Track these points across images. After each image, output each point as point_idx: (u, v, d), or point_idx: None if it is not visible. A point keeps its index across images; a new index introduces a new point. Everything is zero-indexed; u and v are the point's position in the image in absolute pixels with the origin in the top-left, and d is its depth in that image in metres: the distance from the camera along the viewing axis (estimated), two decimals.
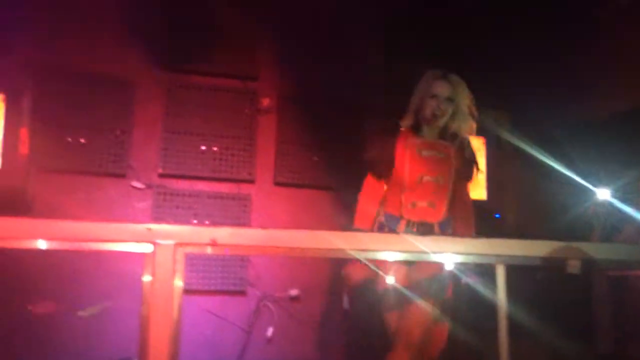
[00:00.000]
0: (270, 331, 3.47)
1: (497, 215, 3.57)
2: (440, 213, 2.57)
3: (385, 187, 2.65)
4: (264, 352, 3.46)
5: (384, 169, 2.60)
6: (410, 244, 1.73)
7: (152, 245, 1.33)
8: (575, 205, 3.47)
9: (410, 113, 2.66)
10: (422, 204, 2.55)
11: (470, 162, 2.70)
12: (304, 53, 3.77)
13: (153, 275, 1.30)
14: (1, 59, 3.30)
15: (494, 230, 2.72)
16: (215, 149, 3.57)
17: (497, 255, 1.55)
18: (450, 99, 2.59)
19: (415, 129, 2.65)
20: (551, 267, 1.59)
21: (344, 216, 3.62)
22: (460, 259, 1.81)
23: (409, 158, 2.59)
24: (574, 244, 1.59)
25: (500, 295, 1.53)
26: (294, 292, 3.54)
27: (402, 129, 2.66)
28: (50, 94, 3.31)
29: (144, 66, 3.58)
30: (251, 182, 3.62)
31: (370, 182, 2.67)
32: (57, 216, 1.47)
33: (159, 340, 1.26)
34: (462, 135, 2.66)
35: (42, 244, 1.65)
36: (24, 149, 3.01)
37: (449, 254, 1.76)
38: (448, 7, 3.86)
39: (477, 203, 3.54)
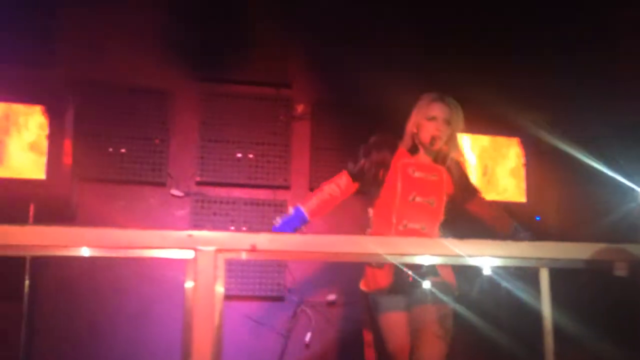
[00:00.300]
0: (308, 336, 3.48)
1: (537, 218, 3.50)
2: (431, 237, 2.49)
3: (370, 210, 2.62)
4: (302, 358, 3.47)
5: (376, 184, 2.55)
6: (446, 247, 1.71)
7: (193, 251, 1.35)
8: (620, 205, 3.38)
9: (407, 136, 2.61)
10: (414, 225, 2.50)
11: (464, 181, 2.67)
12: (337, 59, 3.78)
13: (195, 281, 1.33)
14: (45, 72, 3.42)
15: (534, 234, 2.67)
16: (250, 156, 3.61)
17: (540, 259, 1.51)
18: (448, 121, 2.54)
19: (412, 150, 2.60)
20: (597, 269, 1.54)
21: None
22: (500, 262, 1.78)
23: (401, 177, 2.53)
24: (620, 246, 1.55)
25: (545, 300, 1.50)
26: (331, 297, 3.54)
27: (400, 148, 2.61)
28: (91, 106, 3.41)
29: (180, 77, 3.65)
30: (287, 188, 3.65)
31: (343, 179, 2.60)
32: (99, 224, 1.52)
33: (201, 345, 1.28)
34: (451, 158, 2.61)
35: (87, 252, 1.70)
36: (67, 160, 3.10)
37: (488, 258, 1.73)
38: (487, 10, 3.83)
39: (517, 206, 3.49)
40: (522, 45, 3.80)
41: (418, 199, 2.52)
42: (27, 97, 3.11)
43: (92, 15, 3.57)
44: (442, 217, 2.57)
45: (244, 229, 3.52)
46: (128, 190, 3.48)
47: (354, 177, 2.59)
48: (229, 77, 3.69)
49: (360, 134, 3.70)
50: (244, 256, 1.39)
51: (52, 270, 3.24)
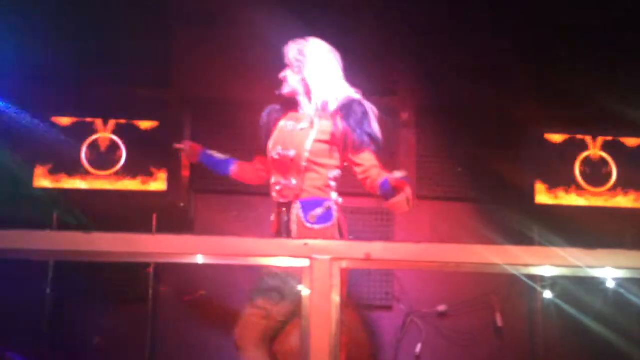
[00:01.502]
0: (418, 348, 3.41)
1: None
2: (298, 189, 2.31)
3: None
4: None
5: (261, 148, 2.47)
6: (565, 258, 1.60)
7: (309, 260, 1.37)
8: None
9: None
10: (285, 181, 2.33)
11: (346, 127, 2.31)
12: (442, 63, 3.71)
13: (311, 289, 1.35)
14: (163, 92, 3.66)
15: None
16: None
17: None
18: (287, 63, 2.41)
19: (296, 106, 2.44)
20: None
21: (491, 229, 3.48)
22: (629, 274, 1.64)
23: (274, 134, 2.41)
24: None
25: None
26: (441, 307, 3.46)
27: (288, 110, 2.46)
28: (205, 121, 3.59)
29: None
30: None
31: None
32: (215, 233, 1.58)
33: (319, 353, 1.30)
34: (326, 100, 2.35)
35: (207, 260, 1.79)
36: (185, 172, 3.30)
37: (615, 270, 1.60)
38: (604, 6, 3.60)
39: None
40: None
41: (282, 152, 2.34)
42: (147, 115, 3.35)
43: (201, 36, 3.77)
44: (310, 169, 2.32)
45: (351, 237, 3.53)
46: (239, 201, 3.62)
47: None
48: None
49: (467, 140, 3.64)
50: (363, 266, 1.39)
51: (174, 276, 3.45)
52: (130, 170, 3.28)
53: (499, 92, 3.62)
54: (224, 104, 3.68)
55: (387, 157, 3.60)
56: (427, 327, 3.45)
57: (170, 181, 3.23)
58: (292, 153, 2.33)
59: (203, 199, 3.56)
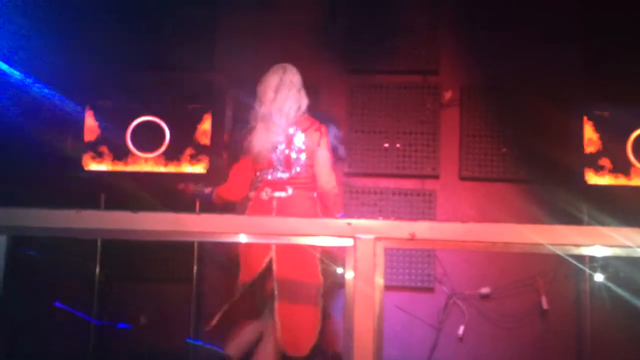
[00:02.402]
0: (461, 330, 3.38)
1: None
2: None
3: None
4: (455, 351, 3.38)
5: None
6: (612, 237, 1.55)
7: (353, 239, 1.37)
8: None
9: None
10: None
11: None
12: (485, 42, 3.61)
13: (354, 268, 1.34)
14: (207, 74, 3.68)
15: None
16: (398, 145, 3.58)
17: None
18: None
19: None
20: None
21: (536, 210, 3.39)
22: None
23: None
24: None
25: None
26: (484, 290, 3.41)
27: None
28: (246, 106, 3.60)
29: (327, 70, 3.71)
30: (435, 177, 3.56)
31: None
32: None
33: (363, 332, 1.30)
34: None
35: (251, 239, 1.80)
36: (226, 154, 3.33)
37: None
38: None
39: None
40: None
41: None
42: (191, 98, 3.38)
43: (246, 21, 3.76)
44: None
45: (392, 218, 3.50)
46: None
47: None
48: (375, 67, 3.68)
49: (513, 118, 3.54)
50: (407, 245, 1.38)
51: (217, 256, 3.50)
52: (174, 153, 3.33)
53: (544, 68, 3.50)
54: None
55: (429, 137, 3.57)
56: (470, 309, 3.41)
57: (211, 164, 3.28)
58: None
59: None
